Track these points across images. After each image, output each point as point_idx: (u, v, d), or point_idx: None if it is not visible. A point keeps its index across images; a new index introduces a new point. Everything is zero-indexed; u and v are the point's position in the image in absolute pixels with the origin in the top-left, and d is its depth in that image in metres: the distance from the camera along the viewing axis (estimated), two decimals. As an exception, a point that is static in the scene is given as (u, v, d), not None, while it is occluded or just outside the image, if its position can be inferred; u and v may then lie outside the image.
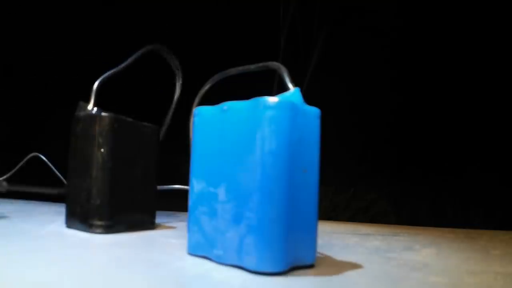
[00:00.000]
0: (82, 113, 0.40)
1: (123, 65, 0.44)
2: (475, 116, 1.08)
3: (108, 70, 0.43)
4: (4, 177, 0.57)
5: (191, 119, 0.31)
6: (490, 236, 0.54)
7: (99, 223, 0.37)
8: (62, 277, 0.22)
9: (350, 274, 0.26)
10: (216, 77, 0.34)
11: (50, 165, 0.54)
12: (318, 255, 0.28)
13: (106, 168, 0.37)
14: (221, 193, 0.27)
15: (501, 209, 1.00)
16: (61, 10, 1.00)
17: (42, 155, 0.54)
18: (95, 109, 0.40)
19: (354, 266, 0.29)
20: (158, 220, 0.44)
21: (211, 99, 0.32)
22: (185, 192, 0.31)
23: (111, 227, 0.37)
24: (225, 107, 0.27)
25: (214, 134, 0.28)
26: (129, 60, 0.45)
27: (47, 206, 0.61)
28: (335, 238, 0.45)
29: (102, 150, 0.37)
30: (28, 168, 0.55)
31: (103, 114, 0.38)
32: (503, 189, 1.01)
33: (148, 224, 0.42)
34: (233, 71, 0.33)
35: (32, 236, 0.35)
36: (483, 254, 0.38)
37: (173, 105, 0.47)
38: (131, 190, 0.40)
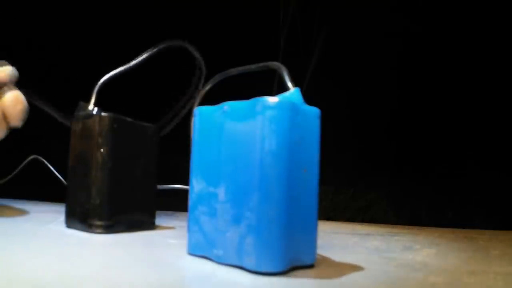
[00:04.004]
0: (82, 113, 0.40)
1: (135, 62, 0.43)
2: (475, 116, 1.08)
3: (108, 70, 0.43)
4: (5, 179, 0.57)
5: (192, 119, 0.31)
6: (490, 236, 0.54)
7: (99, 223, 0.37)
8: (62, 277, 0.22)
9: (350, 274, 0.26)
10: (216, 77, 0.34)
11: (50, 166, 0.54)
12: (317, 255, 0.28)
13: (106, 168, 0.37)
14: (221, 193, 0.27)
15: (501, 209, 1.00)
16: (60, 10, 1.00)
17: (42, 156, 0.54)
18: (96, 109, 0.40)
19: (354, 266, 0.29)
20: (158, 220, 0.44)
21: (211, 99, 0.32)
22: (185, 192, 0.31)
23: (111, 227, 0.37)
24: (225, 107, 0.27)
25: (214, 134, 0.28)
26: (144, 57, 0.43)
27: (47, 206, 0.61)
28: (335, 238, 0.45)
29: (102, 150, 0.37)
30: (28, 169, 0.55)
31: (103, 114, 0.38)
32: (503, 189, 1.01)
33: (148, 224, 0.42)
34: (233, 71, 0.33)
35: (32, 235, 0.35)
36: (483, 254, 0.38)
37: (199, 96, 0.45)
38: (131, 190, 0.40)
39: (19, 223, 0.42)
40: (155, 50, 0.44)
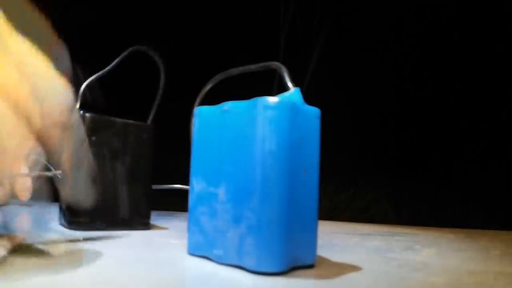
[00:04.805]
0: None
1: (110, 66, 0.44)
2: (475, 116, 1.08)
3: (103, 70, 0.43)
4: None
5: (192, 119, 0.31)
6: (490, 236, 0.54)
7: (74, 220, 0.38)
8: (61, 277, 0.22)
9: (350, 274, 0.26)
10: (217, 77, 0.34)
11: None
12: (317, 255, 0.28)
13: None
14: (221, 193, 0.27)
15: (501, 209, 1.00)
16: (59, 10, 1.00)
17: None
18: (80, 110, 0.41)
19: (354, 266, 0.29)
20: (157, 220, 0.44)
21: (211, 99, 0.32)
22: (185, 192, 0.31)
23: (87, 225, 0.38)
24: (225, 107, 0.27)
25: (214, 134, 0.28)
26: (115, 62, 0.45)
27: (46, 206, 0.61)
28: (335, 238, 0.45)
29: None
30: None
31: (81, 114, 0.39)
32: (503, 189, 1.01)
33: (140, 224, 0.42)
34: (233, 71, 0.33)
35: (31, 235, 0.35)
36: (483, 254, 0.38)
37: (156, 103, 0.46)
38: (111, 189, 0.40)
39: (17, 222, 0.42)
40: (125, 54, 0.45)
